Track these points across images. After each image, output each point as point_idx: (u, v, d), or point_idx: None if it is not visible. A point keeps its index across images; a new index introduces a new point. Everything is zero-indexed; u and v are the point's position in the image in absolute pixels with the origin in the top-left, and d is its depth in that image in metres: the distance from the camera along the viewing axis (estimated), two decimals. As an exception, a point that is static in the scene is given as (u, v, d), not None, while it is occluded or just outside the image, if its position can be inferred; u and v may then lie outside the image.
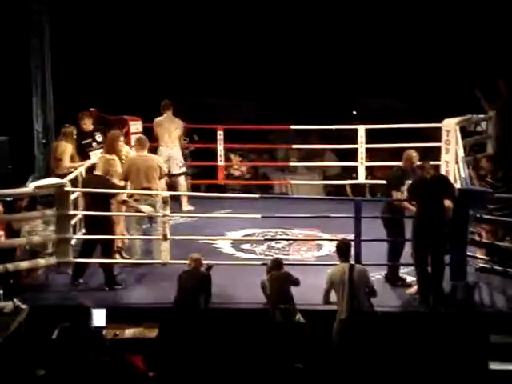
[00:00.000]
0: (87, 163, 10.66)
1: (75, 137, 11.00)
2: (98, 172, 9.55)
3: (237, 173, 13.86)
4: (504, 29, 13.73)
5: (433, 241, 8.73)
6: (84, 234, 9.74)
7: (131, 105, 12.93)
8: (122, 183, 9.82)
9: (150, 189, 9.83)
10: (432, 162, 11.47)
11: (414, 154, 9.42)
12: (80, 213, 10.07)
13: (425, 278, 8.81)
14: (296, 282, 8.41)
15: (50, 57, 11.54)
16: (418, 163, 9.28)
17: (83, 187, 9.68)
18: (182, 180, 12.24)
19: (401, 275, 9.39)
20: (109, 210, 9.41)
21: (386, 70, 14.65)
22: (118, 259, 9.79)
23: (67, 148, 10.72)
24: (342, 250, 8.36)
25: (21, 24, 11.61)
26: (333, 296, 8.22)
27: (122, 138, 10.48)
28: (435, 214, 8.73)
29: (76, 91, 13.41)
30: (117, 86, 14.18)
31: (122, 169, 9.97)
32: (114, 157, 9.93)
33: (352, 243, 8.67)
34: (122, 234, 10.07)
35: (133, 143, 10.73)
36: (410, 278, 9.29)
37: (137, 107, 12.58)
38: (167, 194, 9.72)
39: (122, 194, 9.58)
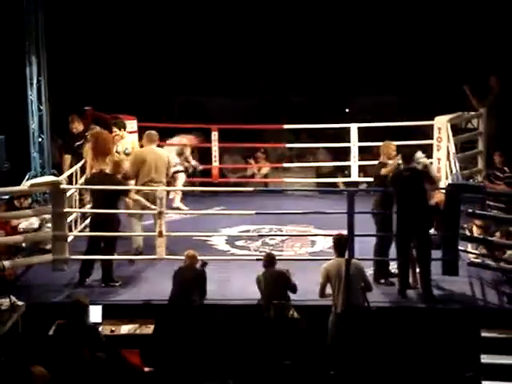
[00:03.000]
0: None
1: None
2: (106, 171, 9.55)
3: (264, 171, 13.90)
4: (495, 26, 13.82)
5: (416, 230, 8.81)
6: (89, 231, 9.74)
7: (126, 104, 12.99)
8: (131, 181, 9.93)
9: (159, 182, 9.95)
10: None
11: (391, 144, 9.47)
12: (76, 210, 10.15)
13: (404, 270, 8.92)
14: (294, 289, 8.43)
15: (46, 54, 11.56)
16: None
17: (89, 184, 9.71)
18: (178, 179, 12.26)
19: (393, 271, 9.47)
20: (116, 209, 9.43)
21: (379, 68, 14.70)
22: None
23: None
24: (339, 244, 8.40)
25: (16, 21, 11.63)
26: (328, 290, 8.28)
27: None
28: (415, 206, 8.80)
29: (72, 89, 13.46)
30: (112, 84, 14.21)
31: (131, 163, 10.07)
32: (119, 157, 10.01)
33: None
34: None
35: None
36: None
37: (132, 106, 12.64)
38: (163, 189, 9.79)
39: (134, 192, 9.63)
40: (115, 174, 9.50)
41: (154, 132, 10.44)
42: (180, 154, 12.36)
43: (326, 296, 8.29)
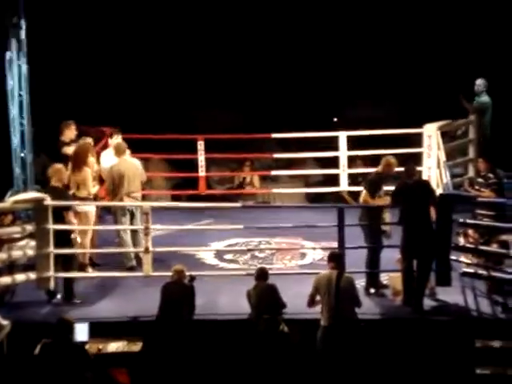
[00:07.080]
0: None
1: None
2: (54, 183, 9.44)
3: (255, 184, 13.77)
4: (483, 33, 13.79)
5: (420, 247, 8.71)
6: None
7: (109, 116, 12.86)
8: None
9: (137, 193, 10.22)
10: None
11: (393, 160, 9.39)
12: (61, 227, 9.93)
13: (410, 282, 8.78)
14: (283, 306, 8.32)
15: (28, 69, 11.40)
16: (401, 168, 9.23)
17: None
18: None
19: (384, 282, 9.35)
20: (63, 223, 9.27)
21: (366, 78, 14.65)
22: (90, 272, 9.81)
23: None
24: (335, 259, 8.27)
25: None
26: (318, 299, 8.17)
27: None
28: (421, 218, 8.73)
29: (54, 103, 13.33)
30: (95, 97, 14.10)
31: (108, 177, 10.16)
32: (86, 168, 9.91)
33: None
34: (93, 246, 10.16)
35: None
36: (394, 285, 9.25)
37: (115, 119, 12.50)
38: (148, 204, 9.62)
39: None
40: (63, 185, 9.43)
41: (122, 142, 10.64)
42: None
43: (315, 305, 8.14)
